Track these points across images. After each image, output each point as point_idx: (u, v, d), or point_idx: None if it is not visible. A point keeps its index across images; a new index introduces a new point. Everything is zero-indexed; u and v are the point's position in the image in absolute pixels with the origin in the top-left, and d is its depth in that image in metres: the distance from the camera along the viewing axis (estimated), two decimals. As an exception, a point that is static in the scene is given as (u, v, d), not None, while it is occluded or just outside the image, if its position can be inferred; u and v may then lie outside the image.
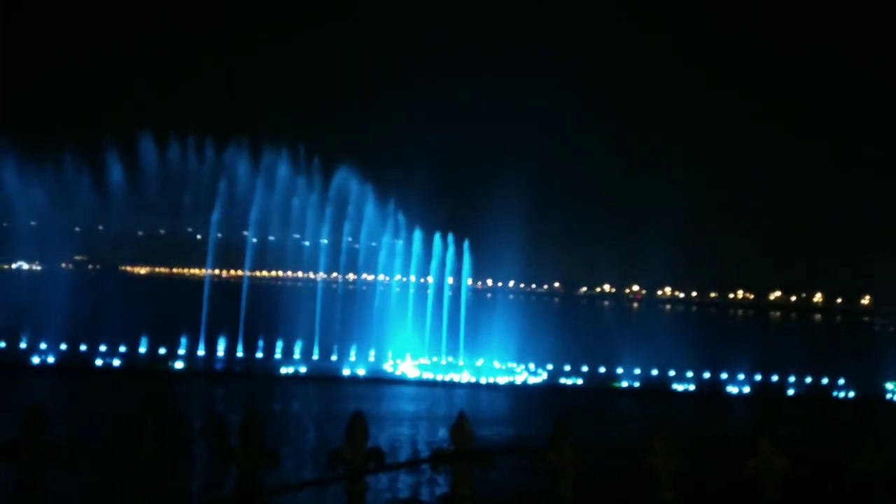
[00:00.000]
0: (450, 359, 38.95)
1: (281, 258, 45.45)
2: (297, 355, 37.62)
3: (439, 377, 36.61)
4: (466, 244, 42.87)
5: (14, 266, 63.29)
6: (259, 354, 37.76)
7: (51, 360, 34.71)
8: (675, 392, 36.25)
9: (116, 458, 3.91)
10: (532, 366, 38.17)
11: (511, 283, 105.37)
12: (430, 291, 43.48)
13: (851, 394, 36.36)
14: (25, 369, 33.29)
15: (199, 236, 41.56)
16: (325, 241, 41.62)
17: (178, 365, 35.84)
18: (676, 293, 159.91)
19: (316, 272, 43.52)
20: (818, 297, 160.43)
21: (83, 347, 35.99)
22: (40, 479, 3.70)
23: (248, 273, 44.06)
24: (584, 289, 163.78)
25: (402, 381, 35.76)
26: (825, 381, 37.68)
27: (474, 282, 46.48)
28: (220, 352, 38.01)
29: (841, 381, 37.30)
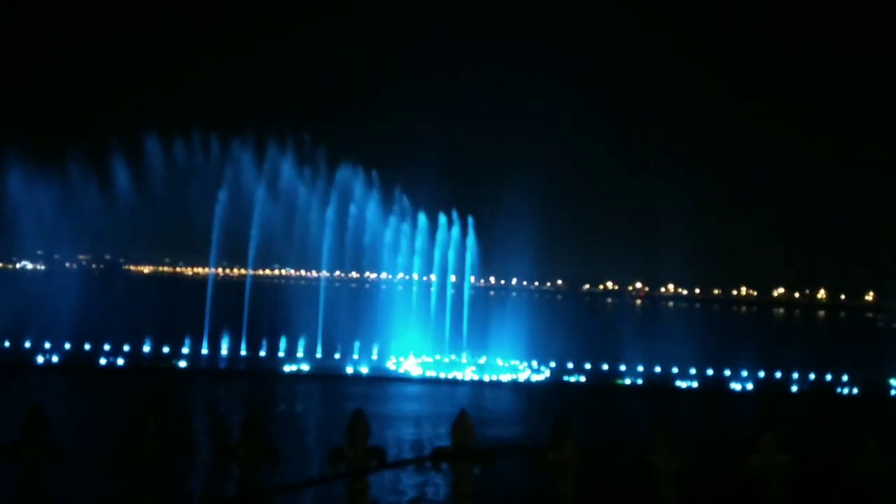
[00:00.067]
0: (453, 356, 38.96)
1: (285, 256, 45.52)
2: (300, 353, 37.70)
3: (442, 375, 36.65)
4: (471, 222, 42.82)
5: (18, 265, 63.48)
6: (262, 353, 37.85)
7: (55, 359, 34.83)
8: (679, 389, 36.22)
9: (117, 457, 3.92)
10: (535, 363, 38.17)
11: (514, 281, 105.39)
12: (434, 289, 43.52)
13: (855, 390, 36.27)
14: (30, 369, 33.41)
15: (202, 235, 41.58)
16: (328, 240, 41.61)
17: (182, 364, 35.93)
18: (679, 290, 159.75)
19: (319, 270, 43.59)
20: (822, 294, 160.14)
21: (87, 347, 36.11)
22: (40, 479, 3.71)
23: (251, 272, 44.15)
24: (587, 286, 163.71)
25: (405, 379, 35.80)
26: (829, 377, 37.61)
27: (477, 280, 46.49)
28: (224, 350, 38.11)
29: (844, 378, 37.22)
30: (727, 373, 37.76)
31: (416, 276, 43.53)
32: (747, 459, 3.66)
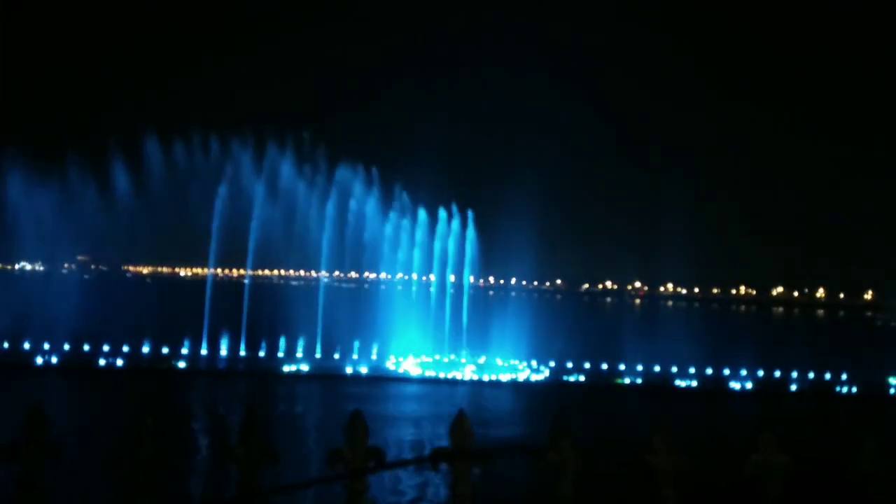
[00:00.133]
0: (452, 356, 38.96)
1: (284, 256, 45.52)
2: (299, 353, 37.70)
3: (442, 375, 36.65)
4: (471, 217, 42.86)
5: (17, 267, 63.44)
6: (262, 353, 37.85)
7: (54, 360, 34.82)
8: (678, 388, 36.23)
9: (117, 458, 3.92)
10: (535, 363, 38.18)
11: (513, 281, 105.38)
12: (433, 288, 43.53)
13: (854, 389, 36.30)
14: (29, 370, 33.40)
15: (201, 235, 41.55)
16: (327, 235, 41.58)
17: (181, 364, 35.92)
18: (679, 289, 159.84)
19: (318, 270, 43.59)
20: (821, 293, 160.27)
21: (86, 347, 36.10)
22: (40, 479, 3.71)
23: (250, 272, 44.15)
24: (587, 286, 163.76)
25: (404, 379, 35.81)
26: (828, 376, 37.63)
27: (476, 279, 46.51)
28: (223, 351, 38.10)
29: (844, 377, 37.25)
30: (726, 372, 37.77)
31: (415, 276, 43.55)
32: (747, 459, 3.66)
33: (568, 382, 36.35)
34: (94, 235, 43.30)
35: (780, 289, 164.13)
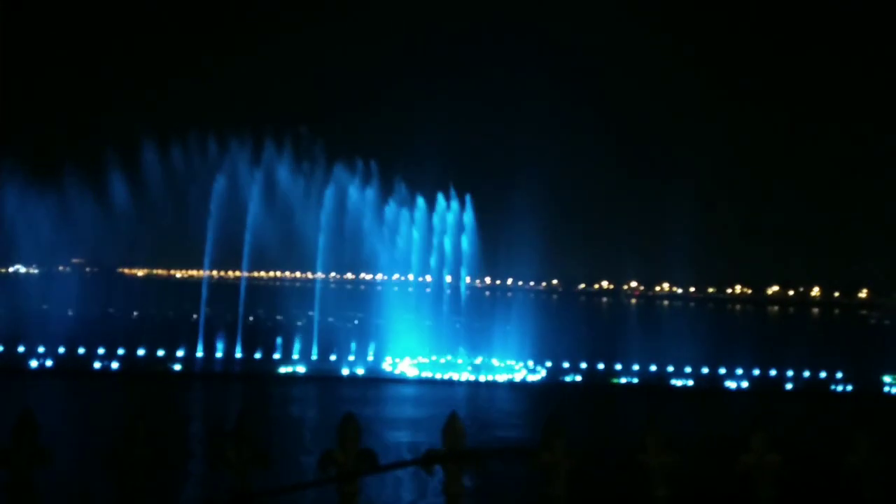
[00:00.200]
0: (449, 357, 38.95)
1: (280, 257, 45.48)
2: (295, 355, 37.65)
3: (438, 376, 36.65)
4: (468, 199, 42.91)
5: (11, 269, 63.23)
6: (258, 355, 37.78)
7: (49, 363, 34.69)
8: (674, 388, 36.31)
9: (109, 462, 3.90)
10: (531, 363, 38.21)
11: (510, 281, 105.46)
12: (430, 289, 43.53)
13: (849, 388, 36.43)
14: (23, 373, 33.28)
15: (197, 237, 41.45)
16: (323, 234, 41.53)
17: (177, 367, 35.83)
18: (675, 289, 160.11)
19: (314, 272, 43.54)
20: (816, 292, 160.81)
21: (81, 350, 35.99)
22: (30, 485, 3.68)
23: (245, 274, 44.07)
24: (583, 286, 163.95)
25: (401, 380, 35.79)
26: (823, 375, 37.76)
27: (473, 280, 46.54)
28: (219, 353, 38.02)
29: (839, 375, 37.37)
30: (722, 371, 37.86)
31: (411, 277, 43.54)
32: (737, 459, 3.66)
33: (564, 382, 36.39)
34: (89, 238, 43.17)
35: (776, 287, 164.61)
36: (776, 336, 67.84)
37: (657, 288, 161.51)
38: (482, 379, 36.41)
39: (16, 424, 3.76)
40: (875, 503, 3.72)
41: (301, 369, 36.17)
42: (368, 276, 49.07)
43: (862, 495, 3.82)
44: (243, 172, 41.50)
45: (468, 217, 43.40)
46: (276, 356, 37.55)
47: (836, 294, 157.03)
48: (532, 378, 37.04)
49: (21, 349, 35.42)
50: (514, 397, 33.13)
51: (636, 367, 37.69)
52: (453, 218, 43.37)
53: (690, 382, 36.82)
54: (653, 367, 37.99)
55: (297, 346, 38.08)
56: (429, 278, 43.68)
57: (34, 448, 3.69)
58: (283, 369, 35.98)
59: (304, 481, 3.96)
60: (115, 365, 35.10)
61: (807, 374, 37.91)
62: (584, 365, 38.00)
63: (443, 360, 38.44)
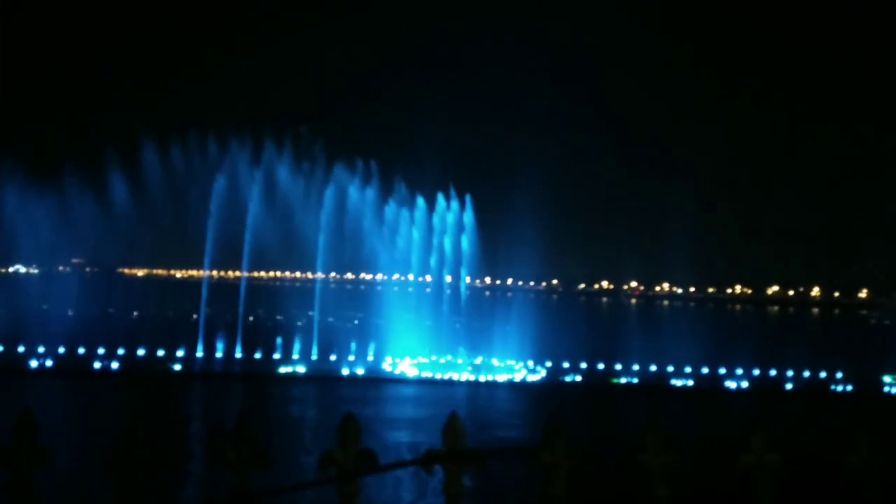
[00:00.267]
0: (449, 357, 38.96)
1: (281, 257, 45.48)
2: (296, 355, 37.65)
3: (438, 376, 36.65)
4: (468, 199, 42.95)
5: (11, 269, 63.24)
6: (258, 355, 37.78)
7: (49, 363, 34.70)
8: (674, 388, 36.31)
9: (109, 462, 3.90)
10: (531, 363, 38.21)
11: (510, 281, 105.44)
12: (430, 289, 43.53)
13: (850, 387, 36.43)
14: (24, 373, 33.28)
15: (197, 237, 41.44)
16: (323, 233, 41.52)
17: (177, 367, 35.83)
18: (675, 289, 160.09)
19: (314, 272, 43.54)
20: (816, 292, 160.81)
21: (81, 350, 35.99)
22: (30, 486, 3.68)
23: (245, 274, 44.07)
24: (583, 285, 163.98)
25: (401, 380, 35.79)
26: (823, 375, 37.75)
27: (473, 280, 46.56)
28: (219, 353, 38.02)
29: (839, 375, 37.37)
30: (722, 371, 37.86)
31: (411, 277, 43.54)
32: (737, 459, 3.66)
33: (565, 382, 36.39)
34: (89, 238, 43.17)
35: (776, 287, 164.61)
36: (776, 336, 67.85)
37: (657, 288, 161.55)
38: (482, 379, 36.41)
39: (15, 424, 3.76)
40: (875, 503, 3.72)
41: (301, 369, 36.17)
42: (368, 276, 49.08)
43: (862, 495, 3.82)
44: (243, 172, 41.51)
45: (468, 217, 43.45)
46: (276, 356, 37.55)
47: (836, 294, 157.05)
48: (532, 378, 37.04)
49: (21, 349, 35.43)
50: (514, 397, 33.12)
51: (636, 368, 37.69)
52: (453, 218, 43.40)
53: (690, 382, 36.82)
54: (653, 368, 38.00)
55: (297, 346, 38.08)
56: (429, 278, 43.68)
57: (34, 448, 3.69)
58: (283, 369, 35.98)
59: (304, 481, 3.96)
60: (115, 365, 35.10)
61: (807, 374, 37.90)
62: (584, 365, 38.01)
63: (443, 360, 38.44)
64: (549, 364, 38.25)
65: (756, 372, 37.83)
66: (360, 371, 36.28)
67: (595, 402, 32.12)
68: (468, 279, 44.93)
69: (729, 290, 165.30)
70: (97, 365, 35.00)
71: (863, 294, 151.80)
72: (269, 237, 41.95)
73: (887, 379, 37.09)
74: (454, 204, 43.53)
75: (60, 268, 52.36)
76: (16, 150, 39.63)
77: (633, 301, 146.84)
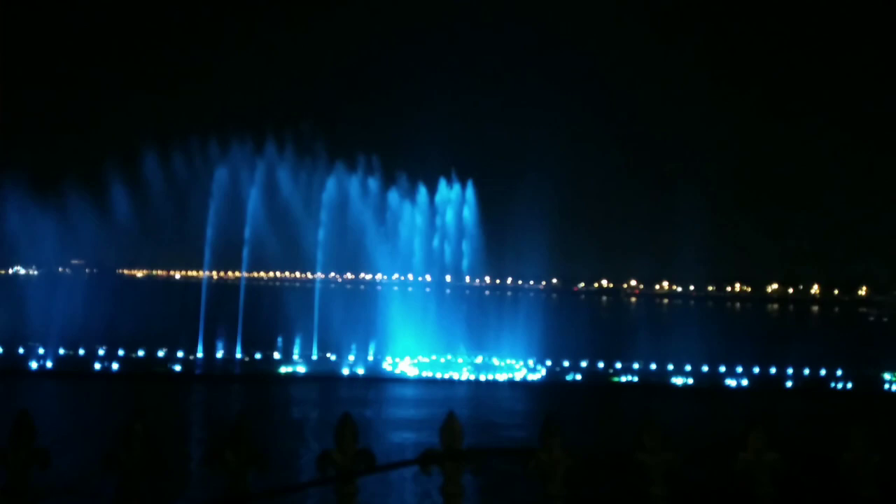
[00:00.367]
0: (449, 356, 38.95)
1: (280, 258, 45.43)
2: (296, 356, 37.65)
3: (438, 375, 36.64)
4: (470, 199, 42.91)
5: (11, 271, 63.25)
6: (258, 355, 37.78)
7: (49, 364, 34.70)
8: (674, 386, 36.31)
9: (108, 463, 3.90)
10: (531, 362, 38.20)
11: (510, 280, 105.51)
12: (430, 289, 43.50)
13: (849, 385, 36.44)
14: (24, 374, 33.29)
15: (197, 238, 41.40)
16: (323, 232, 41.47)
17: (177, 368, 35.83)
18: (674, 287, 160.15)
19: (314, 272, 43.51)
20: (815, 290, 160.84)
21: (81, 352, 35.99)
22: (28, 486, 3.68)
23: (245, 274, 44.04)
24: (582, 284, 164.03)
25: (401, 380, 35.79)
26: (823, 372, 37.75)
27: (472, 279, 46.51)
28: (219, 353, 38.02)
29: (839, 373, 37.38)
30: (722, 369, 37.85)
31: (411, 277, 43.51)
32: (735, 458, 3.66)
33: (565, 381, 36.38)
34: (89, 239, 43.14)
35: (775, 286, 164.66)
36: (776, 334, 67.84)
37: (657, 286, 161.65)
38: (482, 378, 36.40)
39: (12, 426, 3.76)
40: (872, 500, 3.72)
41: (301, 369, 36.17)
42: (368, 276, 49.04)
43: (859, 493, 3.82)
44: (243, 173, 41.48)
45: (469, 217, 43.41)
46: (277, 356, 37.55)
47: (836, 292, 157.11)
48: (532, 377, 37.03)
49: (21, 350, 35.43)
50: (515, 396, 33.11)
51: (636, 366, 37.68)
52: (454, 218, 43.37)
53: (690, 381, 36.82)
54: (653, 366, 38.00)
55: (297, 346, 38.08)
56: (429, 278, 43.66)
57: (31, 449, 3.68)
58: (283, 369, 35.98)
59: (302, 482, 3.96)
60: (115, 366, 35.09)
61: (807, 371, 37.91)
62: (584, 363, 38.01)
63: (443, 360, 38.44)
64: (549, 363, 38.25)
65: (756, 370, 37.83)
66: (360, 371, 36.27)
67: (595, 400, 32.12)
68: (468, 279, 44.91)
69: (729, 288, 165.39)
70: (97, 366, 35.00)
71: (862, 291, 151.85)
72: (269, 237, 41.93)
73: (887, 376, 37.10)
74: (455, 204, 43.50)
75: (60, 269, 52.33)
76: (17, 152, 39.60)
77: (633, 300, 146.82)
